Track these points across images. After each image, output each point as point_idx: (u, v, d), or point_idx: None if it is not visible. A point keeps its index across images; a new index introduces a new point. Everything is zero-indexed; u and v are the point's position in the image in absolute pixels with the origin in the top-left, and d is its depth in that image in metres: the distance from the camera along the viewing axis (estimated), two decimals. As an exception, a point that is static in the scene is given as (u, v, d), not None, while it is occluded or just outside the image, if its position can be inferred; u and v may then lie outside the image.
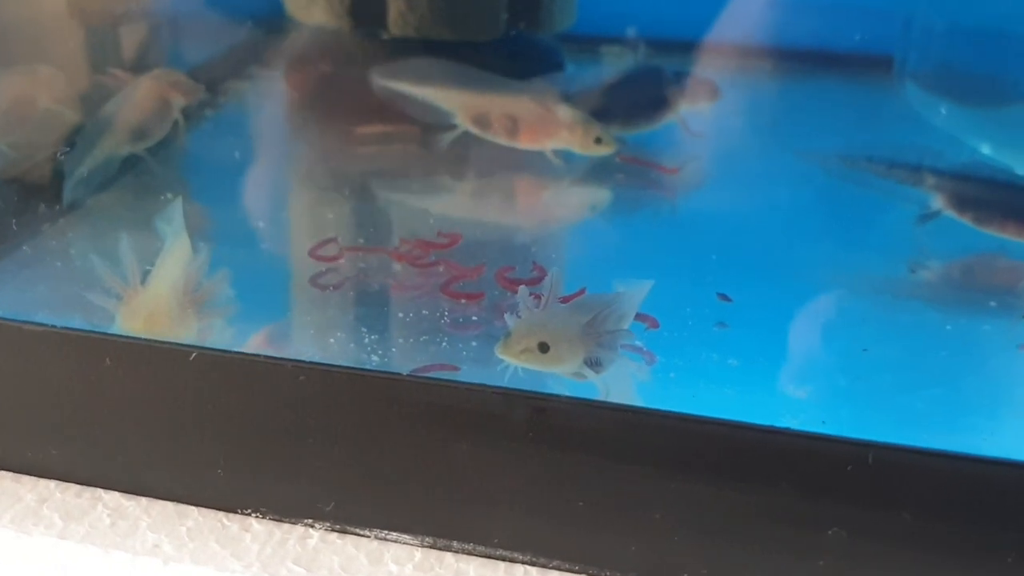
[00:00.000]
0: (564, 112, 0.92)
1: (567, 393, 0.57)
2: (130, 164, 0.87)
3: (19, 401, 0.59)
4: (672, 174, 0.95)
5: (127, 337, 0.58)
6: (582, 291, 0.70)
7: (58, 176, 0.83)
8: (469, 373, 0.65)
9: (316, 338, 0.69)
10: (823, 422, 0.61)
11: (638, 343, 0.67)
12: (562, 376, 0.62)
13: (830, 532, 0.51)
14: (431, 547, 0.56)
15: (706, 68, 1.01)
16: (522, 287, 0.64)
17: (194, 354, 0.55)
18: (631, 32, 1.07)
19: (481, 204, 0.95)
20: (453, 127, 0.95)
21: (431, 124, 0.95)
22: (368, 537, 0.57)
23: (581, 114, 0.93)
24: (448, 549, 0.56)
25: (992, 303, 0.74)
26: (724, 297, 0.73)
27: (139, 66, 0.96)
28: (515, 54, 1.06)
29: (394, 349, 0.67)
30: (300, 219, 0.87)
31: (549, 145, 0.93)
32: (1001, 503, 0.48)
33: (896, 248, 0.80)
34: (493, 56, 1.02)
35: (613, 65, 1.02)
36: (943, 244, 0.81)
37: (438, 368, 0.65)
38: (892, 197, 0.84)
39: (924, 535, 0.49)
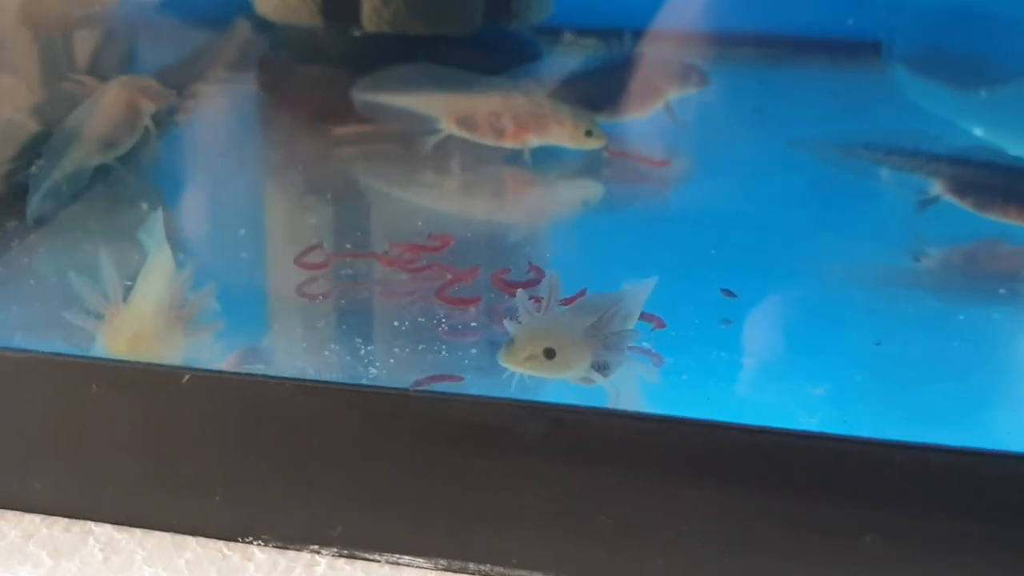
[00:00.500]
0: (553, 107, 0.90)
1: (581, 402, 0.55)
2: (101, 174, 0.84)
3: (-1, 432, 0.56)
4: (663, 167, 0.92)
5: (116, 361, 0.54)
6: (583, 292, 0.67)
7: (25, 190, 0.79)
8: (473, 383, 0.62)
9: (308, 352, 0.66)
10: (844, 421, 0.59)
11: (645, 344, 0.65)
12: (568, 382, 0.59)
13: (866, 538, 0.48)
14: (445, 569, 0.54)
15: (688, 57, 0.99)
16: (520, 291, 0.61)
17: (188, 376, 0.52)
18: (609, 22, 1.05)
19: (466, 201, 0.92)
20: (438, 131, 0.92)
21: (416, 131, 0.92)
22: (379, 562, 0.54)
23: (570, 108, 0.91)
24: (464, 571, 0.54)
25: (1001, 290, 0.72)
26: (729, 293, 0.71)
27: (104, 71, 0.92)
28: (492, 48, 1.03)
29: (392, 361, 0.64)
30: (281, 226, 0.84)
31: (538, 142, 0.90)
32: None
33: (899, 237, 0.79)
34: (469, 50, 1.00)
35: (596, 55, 1.00)
36: (946, 231, 0.80)
37: (441, 379, 0.62)
38: (890, 184, 0.83)
39: (960, 536, 0.47)
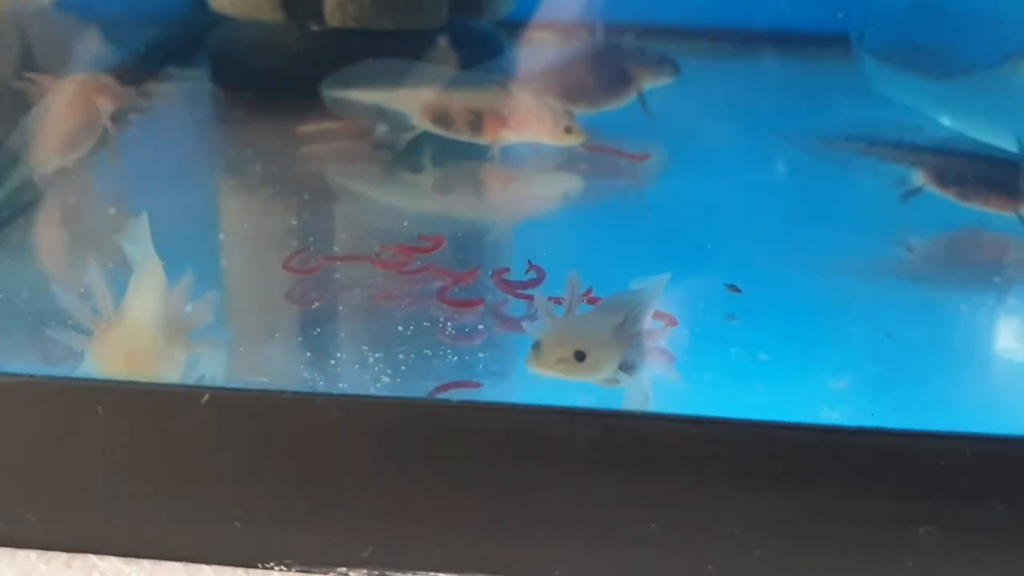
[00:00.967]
0: (531, 102, 0.88)
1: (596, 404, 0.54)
2: (60, 178, 0.79)
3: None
4: (642, 160, 0.91)
5: (125, 382, 0.50)
6: (588, 292, 0.65)
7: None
8: (490, 388, 0.60)
9: (310, 362, 0.63)
10: (872, 414, 0.59)
11: (661, 342, 0.63)
12: (592, 385, 0.58)
13: (921, 531, 0.48)
14: (483, 585, 0.52)
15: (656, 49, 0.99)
16: (537, 294, 0.59)
17: (207, 396, 0.48)
18: (571, 16, 1.03)
19: (444, 199, 0.90)
20: (411, 128, 0.89)
21: (388, 127, 0.89)
22: (410, 581, 0.52)
23: (548, 103, 0.89)
24: (502, 586, 0.51)
25: (996, 279, 0.73)
26: (733, 288, 0.70)
27: (57, 70, 0.86)
28: (456, 42, 1.01)
29: (403, 368, 0.62)
30: (260, 229, 0.80)
31: (516, 138, 0.88)
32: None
33: (889, 227, 0.79)
34: (434, 45, 0.97)
35: (566, 48, 0.98)
36: (932, 220, 0.80)
37: (459, 386, 0.60)
38: (874, 175, 0.83)
39: (1019, 524, 0.47)
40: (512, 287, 0.69)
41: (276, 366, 0.62)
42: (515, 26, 1.05)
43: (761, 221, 0.81)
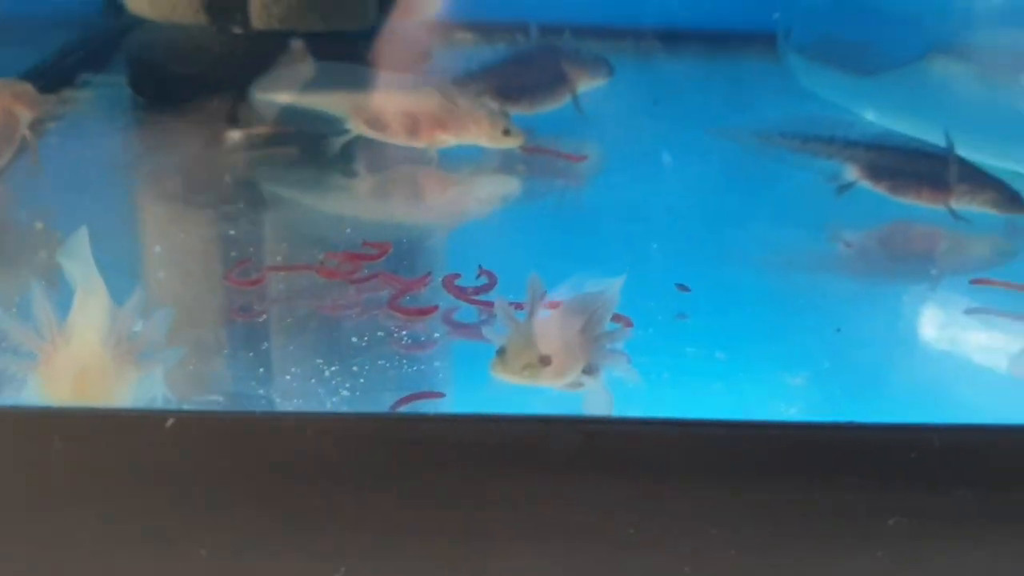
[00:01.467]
0: (468, 105, 0.87)
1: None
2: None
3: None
4: (580, 161, 0.91)
5: (84, 410, 0.48)
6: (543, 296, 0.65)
7: None
8: (452, 398, 0.59)
9: (263, 378, 0.61)
10: (830, 408, 0.60)
11: (620, 344, 0.63)
12: (553, 390, 0.57)
13: (891, 522, 0.49)
14: (459, 599, 0.51)
15: (584, 49, 0.99)
16: (499, 299, 0.59)
17: (171, 420, 0.46)
18: (499, 16, 1.03)
19: (383, 204, 0.88)
20: (345, 132, 0.87)
21: (321, 132, 0.88)
22: (386, 599, 0.50)
23: (486, 105, 0.88)
24: (479, 599, 0.51)
25: (932, 271, 0.75)
26: (683, 287, 0.71)
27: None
28: (384, 44, 0.99)
29: (362, 380, 0.60)
30: (195, 241, 0.77)
31: (454, 141, 0.87)
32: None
33: (826, 222, 0.81)
34: (362, 47, 0.96)
35: (499, 49, 0.98)
36: (867, 215, 0.82)
37: (422, 397, 0.58)
38: (809, 171, 0.85)
39: (988, 512, 0.48)
40: (465, 293, 0.68)
41: (229, 384, 0.60)
42: (446, 27, 1.04)
43: (702, 220, 0.82)
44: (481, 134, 0.86)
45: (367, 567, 0.50)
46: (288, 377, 0.60)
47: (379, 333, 0.65)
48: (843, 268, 0.77)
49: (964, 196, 0.78)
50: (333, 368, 0.61)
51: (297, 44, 0.91)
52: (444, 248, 0.83)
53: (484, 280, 0.70)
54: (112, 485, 0.48)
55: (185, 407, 0.49)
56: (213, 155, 0.90)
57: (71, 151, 0.87)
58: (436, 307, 0.67)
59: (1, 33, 0.94)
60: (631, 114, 0.98)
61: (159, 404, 0.54)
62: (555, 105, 0.93)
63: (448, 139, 0.87)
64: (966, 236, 0.79)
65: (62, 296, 0.56)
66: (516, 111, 0.89)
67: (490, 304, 0.67)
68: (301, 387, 0.59)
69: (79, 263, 0.59)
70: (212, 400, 0.57)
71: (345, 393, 0.59)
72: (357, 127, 0.88)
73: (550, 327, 0.57)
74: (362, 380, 0.60)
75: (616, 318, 0.65)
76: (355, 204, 0.87)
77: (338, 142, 0.88)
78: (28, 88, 0.80)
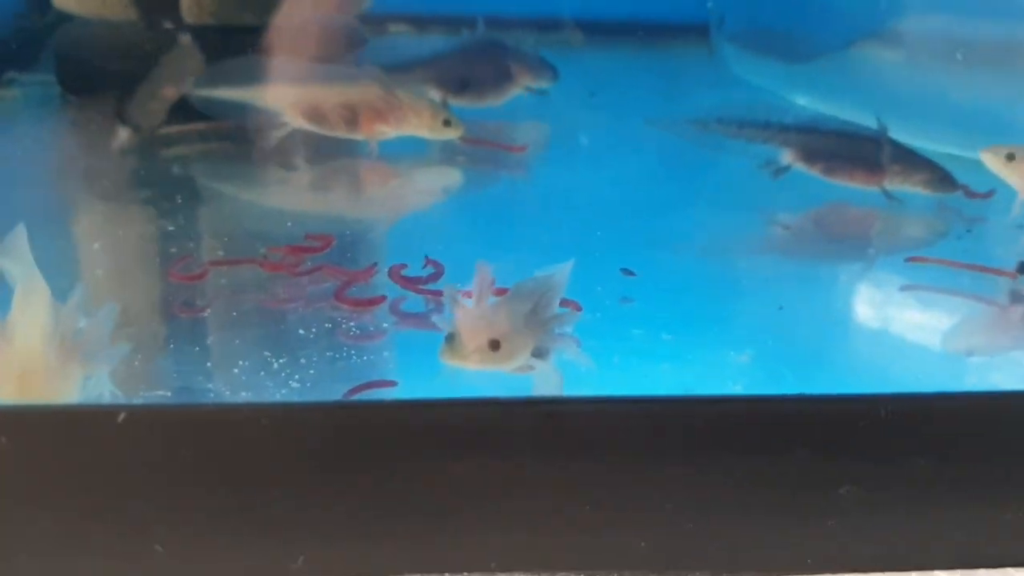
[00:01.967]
0: (408, 96, 0.87)
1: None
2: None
3: None
4: (520, 152, 0.92)
5: (30, 408, 0.46)
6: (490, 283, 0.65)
7: None
8: (404, 385, 0.59)
9: (210, 372, 0.60)
10: (776, 383, 0.61)
11: (569, 328, 0.64)
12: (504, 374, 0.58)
13: (842, 490, 0.50)
14: (419, 585, 0.51)
15: (519, 43, 0.99)
16: (447, 286, 0.59)
17: (123, 415, 0.45)
18: (434, 8, 1.03)
19: (323, 197, 0.87)
20: (282, 125, 0.86)
21: (257, 126, 0.86)
22: (344, 588, 0.50)
23: (425, 97, 0.88)
24: (439, 584, 0.51)
25: (871, 250, 0.77)
26: (628, 272, 0.72)
27: None
28: (320, 36, 0.99)
29: (312, 371, 0.60)
30: (135, 238, 0.76)
31: (394, 133, 0.87)
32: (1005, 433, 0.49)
33: (763, 206, 0.82)
34: (298, 40, 0.95)
35: (443, 39, 0.98)
36: (802, 197, 0.84)
37: (374, 386, 0.58)
38: (745, 156, 0.86)
39: (935, 477, 0.50)
40: (412, 283, 0.68)
41: (175, 379, 0.59)
42: (381, 19, 1.04)
43: (642, 207, 0.83)
44: (422, 125, 0.86)
45: (326, 555, 0.50)
46: (236, 371, 0.59)
47: (327, 324, 0.64)
48: (783, 250, 0.79)
49: (897, 177, 0.80)
50: (281, 360, 0.60)
51: (184, 38, 0.90)
52: (387, 240, 0.82)
53: (431, 270, 0.70)
54: (62, 482, 0.46)
55: (136, 402, 0.48)
56: (148, 152, 0.88)
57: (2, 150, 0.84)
58: (384, 297, 0.67)
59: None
60: (567, 106, 0.98)
61: (105, 401, 0.53)
62: (497, 101, 0.93)
63: (388, 131, 0.87)
64: (900, 216, 0.81)
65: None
66: (458, 103, 0.89)
67: (438, 293, 0.67)
68: (250, 379, 0.59)
69: (17, 261, 0.57)
70: (160, 396, 0.56)
71: (295, 385, 0.58)
72: (295, 120, 0.87)
73: (499, 312, 0.57)
74: (312, 372, 0.60)
75: (564, 303, 0.66)
76: (295, 198, 0.87)
77: (275, 136, 0.87)
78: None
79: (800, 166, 0.84)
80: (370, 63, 0.94)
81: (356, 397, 0.57)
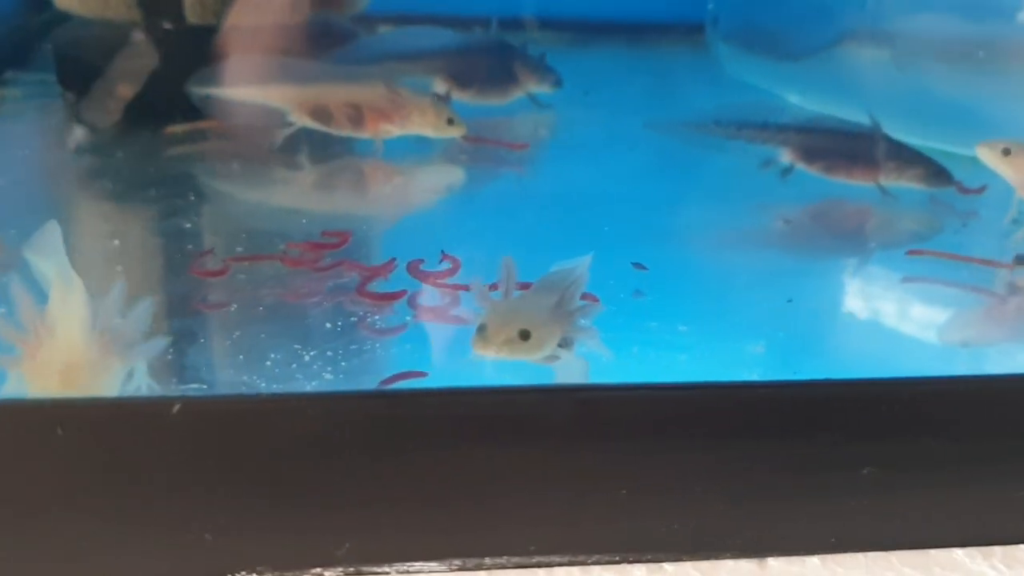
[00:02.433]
0: (412, 95, 0.88)
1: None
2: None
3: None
4: (522, 150, 0.93)
5: (85, 400, 0.47)
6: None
7: None
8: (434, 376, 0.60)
9: (243, 366, 0.61)
10: (794, 372, 0.63)
11: (590, 319, 0.65)
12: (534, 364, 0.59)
13: (864, 471, 0.52)
14: (460, 569, 0.52)
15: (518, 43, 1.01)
16: (474, 280, 0.60)
17: (178, 406, 0.46)
18: (433, 8, 1.04)
19: (329, 196, 0.88)
20: (288, 124, 0.87)
21: (263, 124, 0.87)
22: (388, 574, 0.51)
23: (430, 95, 0.89)
24: (480, 568, 0.52)
25: (871, 244, 0.80)
26: (639, 266, 0.73)
27: None
28: (315, 36, 1.00)
29: (343, 364, 0.61)
30: (151, 235, 0.76)
31: (398, 131, 0.88)
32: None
33: (764, 203, 0.84)
34: (297, 39, 0.95)
35: (439, 39, 0.99)
36: (800, 194, 0.86)
37: (405, 377, 0.59)
38: (744, 155, 0.88)
39: (958, 460, 0.52)
40: (432, 277, 0.70)
41: (207, 372, 0.60)
42: (366, 20, 1.05)
43: (642, 205, 0.85)
44: (426, 124, 0.87)
45: (370, 541, 0.51)
46: (268, 363, 0.60)
47: (352, 319, 0.65)
48: (786, 244, 0.81)
49: (892, 173, 0.82)
50: (312, 353, 0.61)
51: (138, 36, 0.90)
52: (395, 236, 0.83)
53: (448, 265, 0.71)
54: (113, 474, 0.47)
55: (191, 394, 0.49)
56: (153, 151, 0.89)
57: (8, 146, 0.84)
58: (405, 292, 0.68)
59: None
60: (564, 104, 1.00)
61: (144, 394, 0.54)
62: (501, 101, 0.95)
63: (393, 129, 0.88)
64: (897, 212, 0.84)
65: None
66: (463, 99, 0.90)
67: (459, 287, 0.69)
68: (282, 372, 0.60)
69: (50, 258, 0.58)
70: (195, 388, 0.57)
71: (328, 376, 0.59)
72: (300, 119, 0.88)
73: (525, 304, 0.59)
74: (343, 364, 0.61)
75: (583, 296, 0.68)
76: (301, 196, 0.87)
77: (281, 135, 0.88)
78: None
79: (800, 165, 0.87)
80: (377, 54, 0.95)
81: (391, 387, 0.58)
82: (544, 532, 0.52)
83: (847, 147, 0.85)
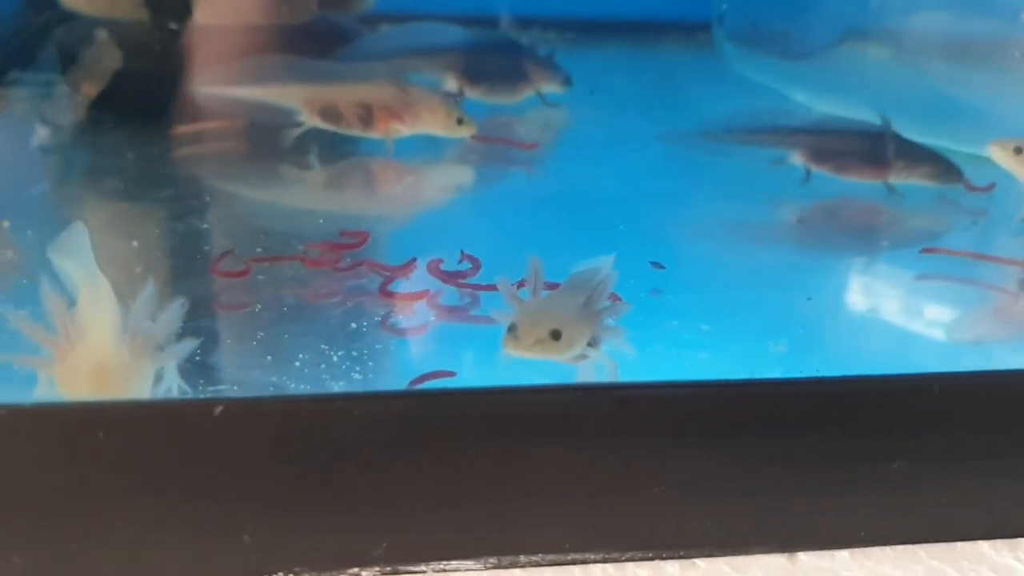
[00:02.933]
0: (422, 94, 0.88)
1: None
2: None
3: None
4: (532, 149, 0.94)
5: (128, 403, 0.47)
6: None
7: None
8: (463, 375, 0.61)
9: (272, 367, 0.61)
10: (817, 370, 0.64)
11: (616, 318, 0.66)
12: (560, 363, 0.59)
13: (894, 466, 0.53)
14: (495, 567, 0.52)
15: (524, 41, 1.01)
16: (501, 281, 0.60)
17: (220, 408, 0.46)
18: (440, 7, 1.04)
19: (340, 195, 0.88)
20: (298, 124, 0.87)
21: (272, 124, 0.87)
22: (424, 572, 0.52)
23: (439, 94, 0.90)
24: (515, 565, 0.52)
25: (883, 242, 0.80)
26: (657, 265, 0.74)
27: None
28: (320, 35, 1.00)
29: (371, 363, 0.61)
30: (167, 235, 0.76)
31: (408, 131, 0.88)
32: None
33: (777, 202, 0.85)
34: (304, 39, 0.95)
35: (449, 38, 0.99)
36: (808, 193, 0.87)
37: (436, 376, 0.60)
38: (756, 159, 0.88)
39: (987, 453, 0.53)
40: (453, 277, 0.70)
41: (235, 372, 0.60)
42: (371, 19, 1.05)
43: (654, 204, 0.85)
44: (436, 123, 0.87)
45: (407, 542, 0.51)
46: (297, 363, 0.60)
47: (376, 318, 0.66)
48: (799, 242, 0.81)
49: (903, 171, 0.83)
50: (339, 353, 0.61)
51: (102, 34, 0.90)
52: (410, 235, 0.83)
53: (467, 265, 0.71)
54: (153, 475, 0.47)
55: (233, 395, 0.49)
56: (162, 151, 0.89)
57: (11, 151, 0.84)
58: (427, 291, 0.68)
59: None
60: (572, 103, 1.00)
61: (175, 395, 0.54)
62: (511, 99, 0.95)
63: (403, 129, 0.88)
64: (910, 211, 0.84)
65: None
66: (474, 95, 0.90)
67: (480, 288, 0.69)
68: (310, 372, 0.60)
69: (77, 259, 0.58)
70: (223, 389, 0.57)
71: (356, 376, 0.59)
72: (310, 119, 0.87)
73: (555, 304, 0.59)
74: (371, 363, 0.61)
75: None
76: (315, 197, 0.87)
77: (291, 134, 0.88)
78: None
79: (811, 167, 0.87)
80: (386, 50, 0.95)
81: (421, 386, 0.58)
82: (579, 530, 0.52)
83: (857, 147, 0.86)
